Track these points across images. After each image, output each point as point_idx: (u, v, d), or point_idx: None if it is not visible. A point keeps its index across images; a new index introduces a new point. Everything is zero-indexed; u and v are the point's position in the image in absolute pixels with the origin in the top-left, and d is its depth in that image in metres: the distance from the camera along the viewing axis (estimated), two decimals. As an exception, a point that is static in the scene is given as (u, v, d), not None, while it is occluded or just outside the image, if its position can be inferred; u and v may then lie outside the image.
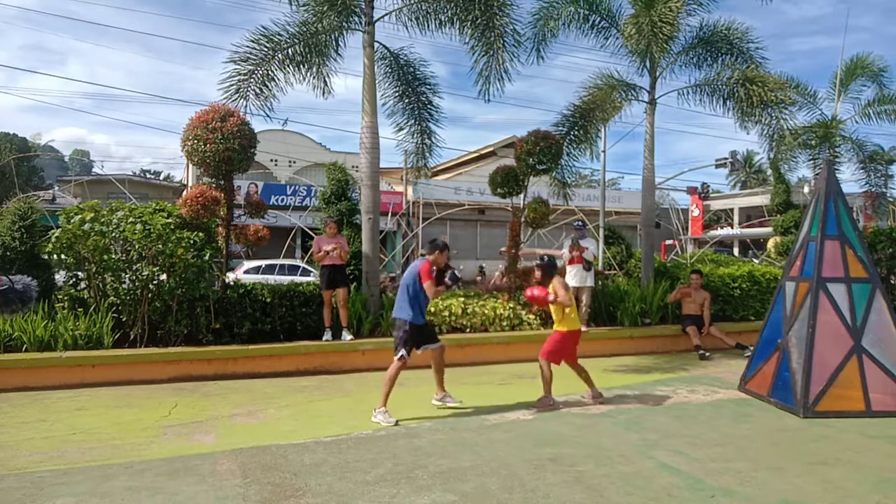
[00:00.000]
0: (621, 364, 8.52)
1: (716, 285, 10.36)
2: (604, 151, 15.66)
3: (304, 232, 19.55)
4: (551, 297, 5.98)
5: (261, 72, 8.74)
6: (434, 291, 5.67)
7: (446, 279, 5.84)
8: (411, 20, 9.31)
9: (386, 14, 9.12)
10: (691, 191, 31.18)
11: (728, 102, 10.41)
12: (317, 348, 7.89)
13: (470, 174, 29.14)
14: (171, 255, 7.30)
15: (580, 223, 9.79)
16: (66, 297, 7.56)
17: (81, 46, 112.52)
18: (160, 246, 7.28)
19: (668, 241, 26.50)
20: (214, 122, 7.76)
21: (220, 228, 8.21)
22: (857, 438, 5.17)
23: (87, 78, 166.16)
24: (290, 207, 22.12)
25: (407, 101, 10.05)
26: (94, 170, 52.08)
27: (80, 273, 7.74)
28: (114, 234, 7.34)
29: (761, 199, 29.79)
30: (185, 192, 9.53)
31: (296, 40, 8.79)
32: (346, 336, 8.04)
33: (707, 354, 9.01)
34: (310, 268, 16.01)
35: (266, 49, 8.69)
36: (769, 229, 23.44)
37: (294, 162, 28.03)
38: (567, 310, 6.07)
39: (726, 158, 21.37)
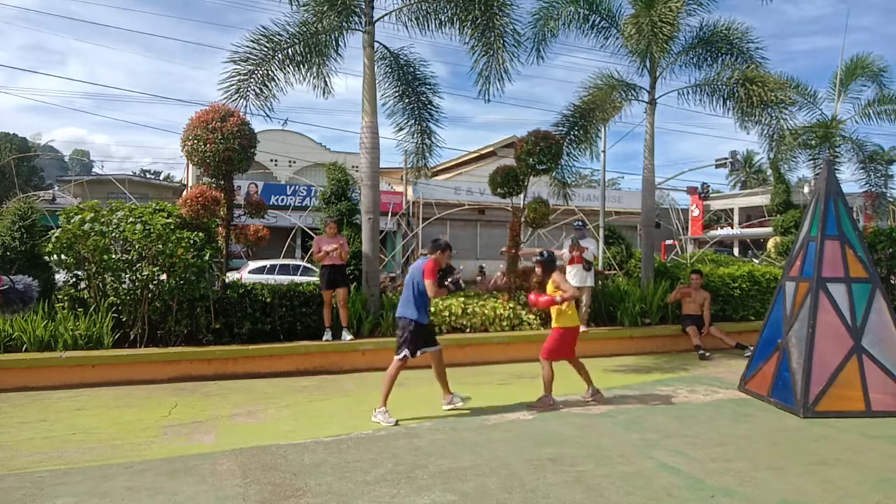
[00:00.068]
0: (621, 364, 8.52)
1: (716, 285, 10.36)
2: (604, 151, 15.67)
3: (304, 232, 19.58)
4: (558, 298, 5.99)
5: (261, 72, 8.74)
6: (435, 291, 5.67)
7: (448, 283, 5.85)
8: (411, 20, 9.31)
9: (386, 14, 9.13)
10: (691, 191, 31.18)
11: (728, 102, 10.41)
12: (317, 348, 7.89)
13: (470, 174, 29.14)
14: (171, 255, 7.30)
15: (580, 223, 9.78)
16: (66, 297, 7.56)
17: (81, 46, 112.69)
18: (160, 246, 7.28)
19: (668, 241, 26.52)
20: (214, 122, 7.75)
21: (220, 228, 8.21)
22: (857, 438, 5.17)
23: (87, 78, 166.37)
24: (290, 207, 22.15)
25: (407, 101, 10.05)
26: (94, 170, 52.15)
27: (80, 273, 7.74)
28: (114, 234, 7.34)
29: (761, 199, 29.81)
30: (185, 192, 9.53)
31: (296, 40, 8.79)
32: (346, 336, 8.04)
33: (707, 354, 9.01)
34: (314, 267, 16.03)
35: (266, 49, 8.69)
36: (769, 229, 23.45)
37: (294, 162, 28.04)
38: (564, 306, 6.07)
39: (726, 158, 21.37)
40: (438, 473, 4.22)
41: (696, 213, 34.90)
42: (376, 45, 9.11)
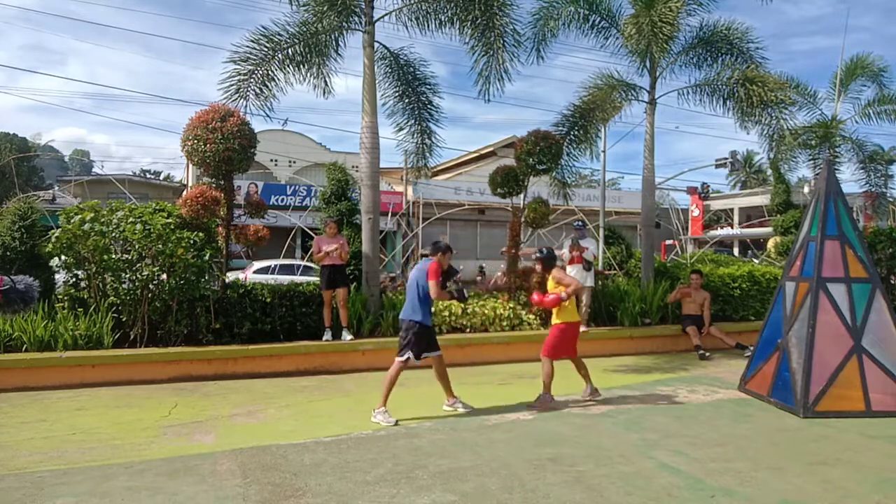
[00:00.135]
0: (621, 364, 8.52)
1: (716, 285, 10.36)
2: (604, 151, 15.66)
3: (304, 232, 19.57)
4: (563, 296, 5.99)
5: (261, 72, 8.74)
6: (438, 293, 5.67)
7: (452, 288, 5.85)
8: (411, 20, 9.31)
9: (386, 14, 9.13)
10: (691, 191, 31.17)
11: (728, 102, 10.41)
12: (317, 348, 7.89)
13: (470, 174, 29.14)
14: (171, 255, 7.30)
15: (580, 223, 9.79)
16: (66, 297, 7.56)
17: (81, 46, 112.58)
18: (160, 246, 7.28)
19: (668, 241, 26.51)
20: (214, 122, 7.76)
21: (220, 228, 8.21)
22: (857, 438, 5.17)
23: (87, 78, 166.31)
24: (290, 207, 22.14)
25: (407, 101, 10.05)
26: (94, 170, 52.10)
27: (79, 273, 7.74)
28: (114, 234, 7.34)
29: (761, 199, 29.80)
30: (185, 192, 9.53)
31: (296, 40, 8.79)
32: (346, 336, 8.04)
33: (707, 354, 9.01)
34: (316, 266, 16.07)
35: (266, 49, 8.69)
36: (769, 229, 23.45)
37: (294, 162, 28.04)
38: (565, 302, 6.08)
39: (726, 158, 21.37)
40: (438, 473, 4.22)
41: (696, 213, 34.90)
42: (376, 45, 9.11)
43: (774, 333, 6.62)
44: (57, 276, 8.33)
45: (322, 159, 25.22)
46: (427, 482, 4.06)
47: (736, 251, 33.23)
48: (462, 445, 4.85)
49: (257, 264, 17.16)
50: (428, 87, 10.07)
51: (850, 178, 16.41)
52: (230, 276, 8.81)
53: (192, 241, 7.47)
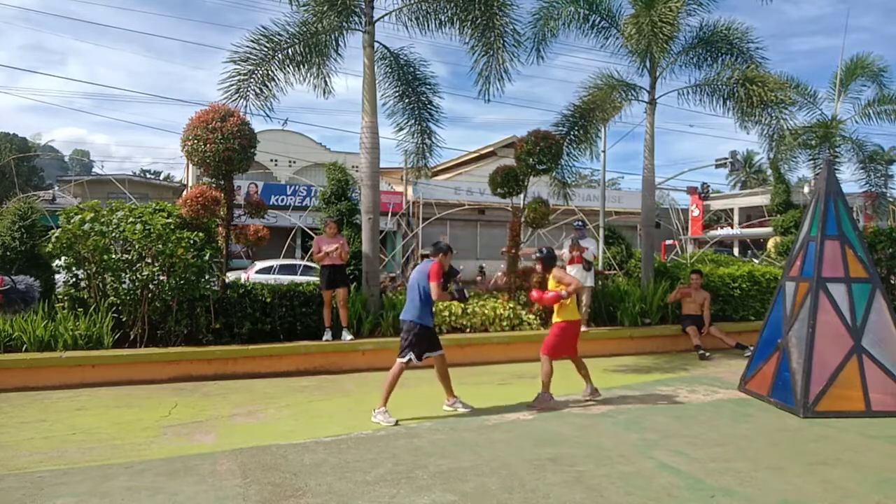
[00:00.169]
0: (621, 364, 8.52)
1: (716, 285, 10.36)
2: (604, 151, 15.66)
3: (304, 232, 19.58)
4: (563, 293, 5.99)
5: (261, 72, 8.74)
6: (439, 294, 5.67)
7: (452, 289, 5.85)
8: (411, 20, 9.31)
9: (386, 14, 9.13)
10: (691, 191, 31.17)
11: (728, 102, 10.41)
12: (317, 348, 7.89)
13: (470, 174, 29.14)
14: (171, 255, 7.30)
15: (580, 223, 9.78)
16: (66, 297, 7.56)
17: (81, 46, 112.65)
18: (160, 246, 7.28)
19: (668, 241, 26.51)
20: (214, 122, 7.75)
21: (220, 228, 8.21)
22: (857, 438, 5.17)
23: (87, 78, 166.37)
24: (290, 207, 22.14)
25: (407, 101, 10.05)
26: (94, 170, 52.11)
27: (79, 273, 7.74)
28: (114, 234, 7.34)
29: (761, 199, 29.80)
30: (185, 192, 9.53)
31: (296, 40, 8.79)
32: (346, 336, 8.04)
33: (707, 354, 9.01)
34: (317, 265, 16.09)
35: (266, 49, 8.69)
36: (769, 229, 23.45)
37: (294, 162, 28.04)
38: (567, 300, 6.08)
39: (726, 158, 21.37)
40: (438, 473, 4.22)
41: (696, 213, 34.90)
42: (376, 45, 9.11)
43: (774, 333, 6.62)
44: (57, 276, 8.33)
45: (322, 159, 25.23)
46: (427, 482, 4.06)
47: (736, 251, 33.23)
48: (462, 445, 4.85)
49: (260, 264, 17.18)
50: (428, 87, 10.07)
51: (850, 178, 16.43)
52: (231, 276, 8.82)
53: (192, 241, 7.47)
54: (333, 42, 9.04)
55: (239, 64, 8.60)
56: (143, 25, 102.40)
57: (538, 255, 6.36)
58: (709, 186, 27.97)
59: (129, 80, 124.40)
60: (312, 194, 23.91)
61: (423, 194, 25.59)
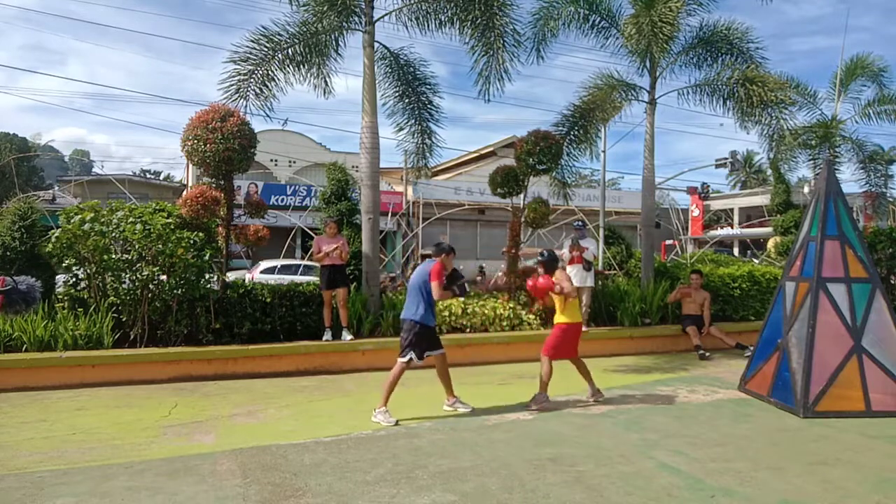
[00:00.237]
0: (621, 364, 8.52)
1: (716, 285, 10.36)
2: (604, 151, 15.68)
3: (304, 232, 19.59)
4: (557, 289, 5.99)
5: (261, 72, 8.74)
6: (441, 293, 5.67)
7: (454, 288, 5.85)
8: (411, 20, 9.31)
9: (386, 14, 9.13)
10: (691, 191, 31.18)
11: (728, 102, 10.41)
12: (317, 348, 7.89)
13: (470, 174, 29.15)
14: (171, 255, 7.30)
15: (580, 223, 9.78)
16: (66, 297, 7.56)
17: (81, 46, 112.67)
18: (160, 246, 7.28)
19: (668, 241, 26.53)
20: (214, 122, 7.75)
21: (220, 228, 8.21)
22: (857, 438, 5.17)
23: (87, 78, 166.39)
24: (290, 207, 22.16)
25: (407, 101, 10.05)
26: (94, 170, 52.13)
27: (80, 273, 7.74)
28: (114, 234, 7.34)
29: (761, 199, 29.82)
30: (185, 192, 9.53)
31: (296, 40, 8.79)
32: (346, 336, 8.04)
33: (707, 354, 9.01)
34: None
35: (266, 49, 8.69)
36: (769, 229, 23.47)
37: (294, 162, 28.04)
38: (569, 301, 6.07)
39: (726, 158, 21.38)
40: (438, 473, 4.22)
41: (696, 213, 34.91)
42: (376, 45, 9.11)
43: (774, 333, 6.62)
44: (57, 277, 8.33)
45: (322, 159, 25.23)
46: (427, 482, 4.06)
47: (736, 251, 33.25)
48: (462, 445, 4.85)
49: (264, 264, 17.19)
50: (428, 86, 10.07)
51: (850, 178, 16.44)
52: (231, 276, 8.81)
53: (192, 241, 7.47)
54: (333, 42, 9.04)
55: (239, 64, 8.61)
56: (143, 25, 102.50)
57: (540, 258, 6.36)
58: (709, 186, 27.98)
59: (129, 80, 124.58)
60: (312, 194, 23.92)
61: (423, 194, 25.60)
